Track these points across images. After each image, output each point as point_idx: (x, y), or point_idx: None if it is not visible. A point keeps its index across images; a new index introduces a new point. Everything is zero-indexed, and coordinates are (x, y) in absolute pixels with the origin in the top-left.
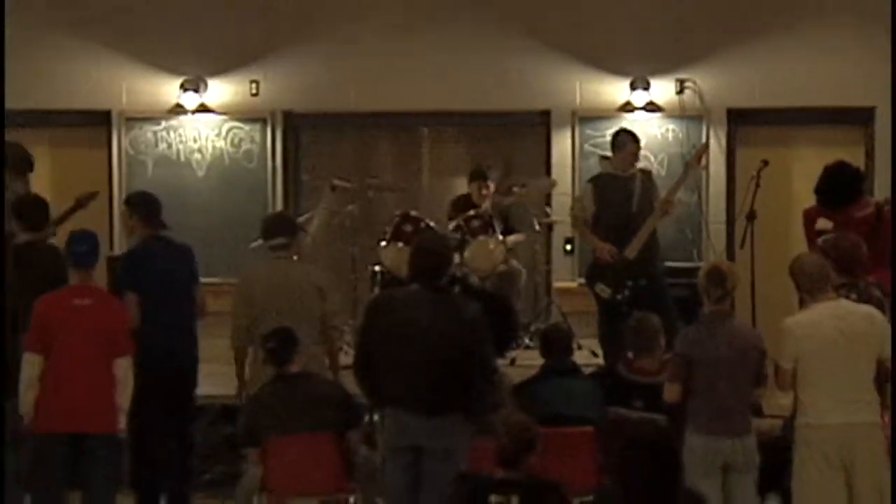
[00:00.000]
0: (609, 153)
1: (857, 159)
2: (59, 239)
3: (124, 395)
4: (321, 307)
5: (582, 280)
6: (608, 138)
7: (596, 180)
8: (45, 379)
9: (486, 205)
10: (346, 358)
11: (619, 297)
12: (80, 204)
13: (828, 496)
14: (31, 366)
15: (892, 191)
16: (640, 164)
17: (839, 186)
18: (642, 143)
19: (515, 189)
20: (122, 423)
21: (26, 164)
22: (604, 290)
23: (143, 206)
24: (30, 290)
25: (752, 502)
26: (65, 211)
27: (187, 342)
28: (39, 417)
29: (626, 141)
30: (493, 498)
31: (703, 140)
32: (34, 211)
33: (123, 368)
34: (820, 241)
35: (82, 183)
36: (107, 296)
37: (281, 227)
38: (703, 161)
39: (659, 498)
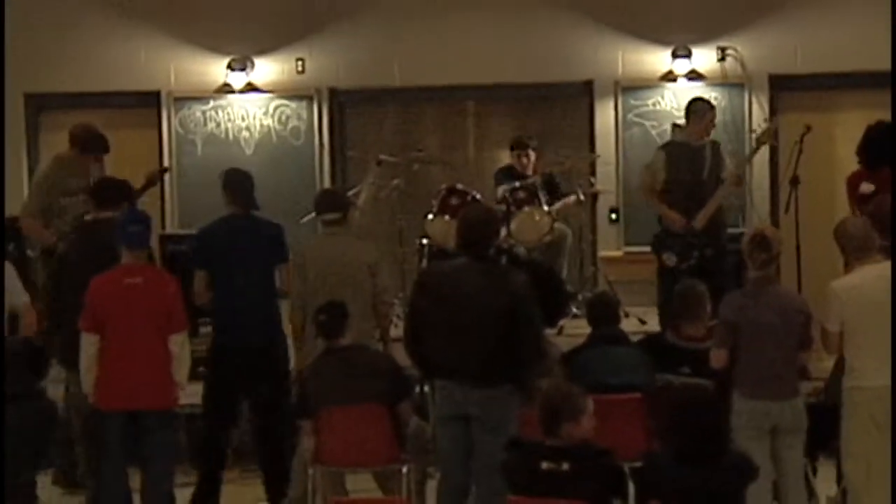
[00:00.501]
0: (680, 121)
1: None
2: None
3: (181, 371)
4: (371, 283)
5: (628, 248)
6: (651, 108)
7: (668, 148)
8: (102, 357)
9: (531, 176)
10: (396, 330)
11: (684, 266)
12: (152, 181)
13: (875, 457)
14: (88, 345)
15: (892, 167)
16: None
17: (880, 146)
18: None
19: (560, 159)
20: (179, 398)
21: (102, 147)
22: (670, 259)
23: (229, 183)
24: (98, 266)
25: (801, 464)
26: (137, 189)
27: (264, 320)
28: (98, 395)
29: (704, 109)
30: (544, 464)
31: (748, 107)
32: (108, 191)
33: (178, 344)
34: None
35: (134, 163)
36: (158, 273)
37: (333, 203)
38: (775, 137)
39: (707, 462)
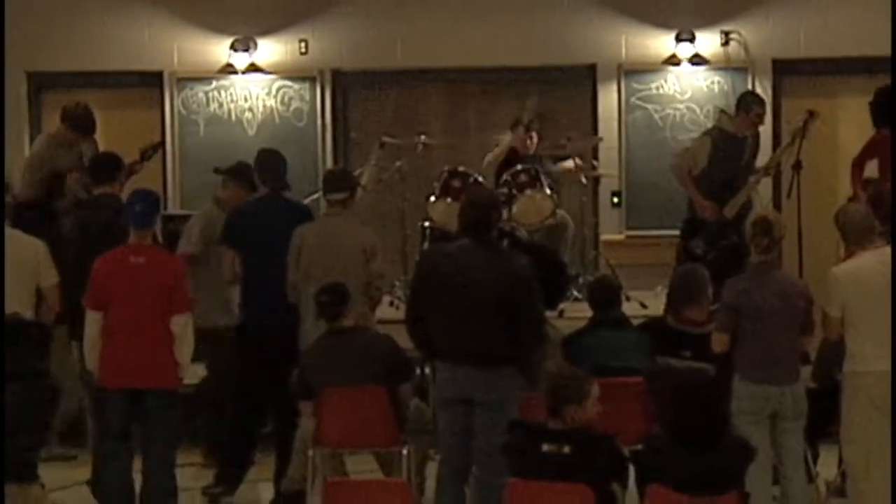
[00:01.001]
0: (729, 108)
1: None
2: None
3: (183, 352)
4: (366, 269)
5: (630, 232)
6: (654, 91)
7: (715, 136)
8: (105, 335)
9: (532, 157)
10: (398, 313)
11: (711, 255)
12: (145, 156)
13: (875, 442)
14: (92, 323)
15: (892, 151)
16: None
17: (891, 101)
18: (687, 96)
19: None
20: (182, 379)
21: (92, 126)
22: (699, 247)
23: (258, 165)
24: (97, 241)
25: (801, 449)
26: (129, 164)
27: (283, 299)
28: (101, 372)
29: (751, 103)
30: (545, 447)
31: (749, 88)
32: (104, 166)
33: (181, 326)
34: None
35: (136, 143)
36: (162, 254)
37: (342, 182)
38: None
39: (707, 446)
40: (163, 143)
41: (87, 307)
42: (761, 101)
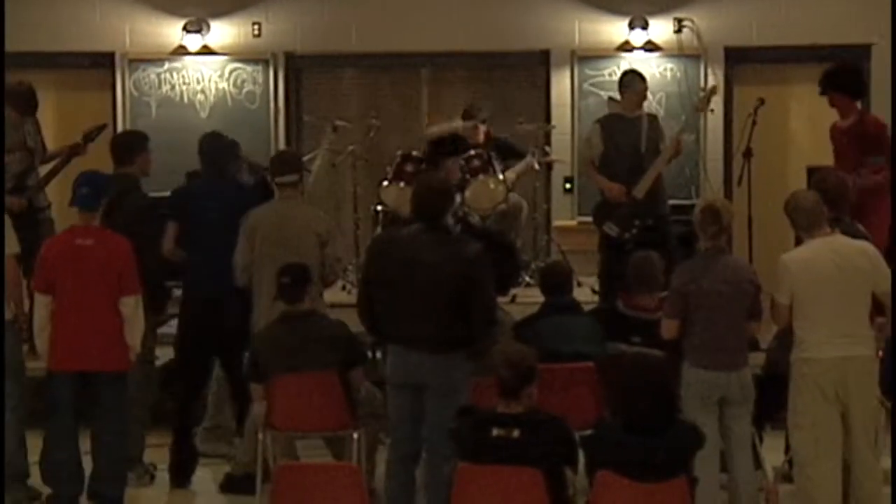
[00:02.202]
0: (615, 94)
1: None
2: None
3: (133, 334)
4: (320, 254)
5: (582, 218)
6: (607, 78)
7: (604, 121)
8: (53, 319)
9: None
10: (350, 297)
11: (626, 235)
12: (88, 138)
13: (823, 429)
14: (41, 306)
15: (892, 135)
16: (645, 109)
17: (844, 69)
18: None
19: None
20: (132, 361)
21: (33, 105)
22: (612, 229)
23: (200, 145)
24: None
25: (748, 435)
26: (71, 146)
27: (228, 279)
28: (50, 356)
29: (633, 81)
30: (495, 431)
31: (703, 79)
32: (122, 148)
33: (130, 307)
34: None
35: (87, 125)
36: (110, 236)
37: (291, 165)
38: (711, 104)
39: (657, 432)
40: (106, 125)
41: (35, 290)
42: (642, 79)
